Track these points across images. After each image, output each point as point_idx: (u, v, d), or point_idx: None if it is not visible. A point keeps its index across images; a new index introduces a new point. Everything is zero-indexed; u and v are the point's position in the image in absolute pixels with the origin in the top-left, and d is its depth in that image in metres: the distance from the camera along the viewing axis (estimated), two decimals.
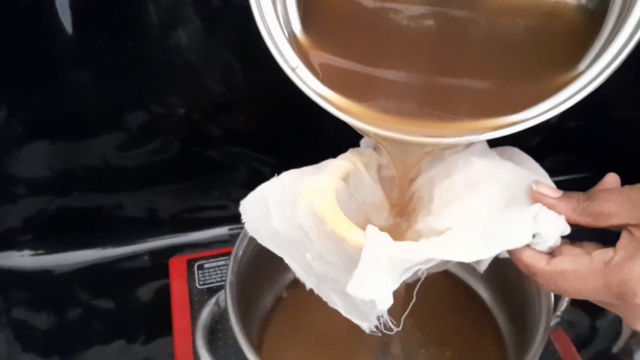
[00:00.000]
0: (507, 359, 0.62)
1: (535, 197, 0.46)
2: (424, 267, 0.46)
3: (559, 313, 0.57)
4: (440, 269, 0.58)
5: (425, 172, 0.49)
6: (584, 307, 0.76)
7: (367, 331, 0.49)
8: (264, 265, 0.63)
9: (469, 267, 0.68)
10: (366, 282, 0.44)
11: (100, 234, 0.82)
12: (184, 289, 0.72)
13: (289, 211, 0.47)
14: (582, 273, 0.42)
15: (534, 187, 0.46)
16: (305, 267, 0.50)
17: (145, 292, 0.80)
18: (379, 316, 0.48)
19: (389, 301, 0.46)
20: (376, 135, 0.46)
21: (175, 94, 0.75)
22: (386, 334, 0.47)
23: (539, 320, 0.55)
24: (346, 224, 0.45)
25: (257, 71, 0.75)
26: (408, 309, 0.50)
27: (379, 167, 0.51)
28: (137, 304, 0.79)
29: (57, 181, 0.77)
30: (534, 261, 0.44)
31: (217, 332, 0.68)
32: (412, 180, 0.50)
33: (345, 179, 0.49)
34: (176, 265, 0.75)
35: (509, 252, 0.46)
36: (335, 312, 0.64)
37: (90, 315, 0.77)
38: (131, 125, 0.76)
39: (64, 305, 0.76)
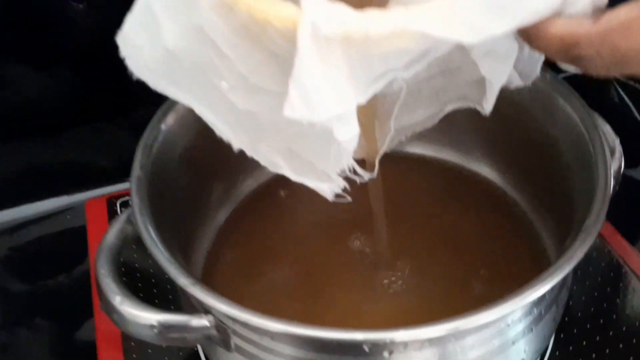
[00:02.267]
0: (543, 250, 0.45)
1: None
2: (404, 74, 0.29)
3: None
4: (428, 121, 0.41)
5: None
6: None
7: (330, 197, 0.32)
8: (209, 160, 0.46)
9: (470, 148, 0.52)
10: (311, 91, 0.27)
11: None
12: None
13: (186, 14, 0.30)
14: None
15: None
16: (224, 114, 0.32)
17: (69, 261, 0.62)
18: (342, 169, 0.32)
19: (353, 128, 0.29)
20: None
21: None
22: (361, 179, 0.31)
23: (594, 186, 0.37)
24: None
25: None
26: (385, 146, 0.33)
27: None
28: (58, 283, 0.61)
29: None
30: (574, 27, 0.28)
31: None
32: None
33: None
34: (94, 208, 0.58)
35: (530, 33, 0.29)
36: (320, 229, 0.48)
37: None
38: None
39: None
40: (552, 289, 0.36)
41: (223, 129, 0.33)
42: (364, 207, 0.43)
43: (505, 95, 0.38)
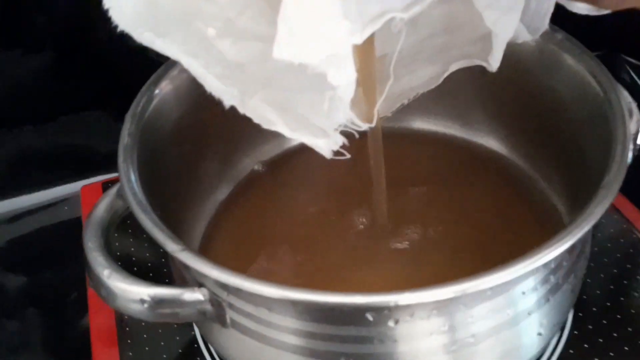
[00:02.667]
0: (557, 217, 0.42)
1: None
2: (402, 15, 0.27)
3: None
4: (431, 82, 0.39)
5: None
6: None
7: (328, 154, 0.30)
8: (205, 134, 0.44)
9: (474, 120, 0.49)
10: (301, 28, 0.25)
11: None
12: None
13: None
14: None
15: None
16: (213, 66, 0.30)
17: (65, 254, 0.59)
18: (339, 123, 0.30)
19: (349, 72, 0.27)
20: None
21: None
22: (358, 129, 0.28)
23: (611, 145, 0.34)
24: None
25: None
26: (383, 95, 0.31)
27: None
28: (53, 276, 0.59)
29: None
30: None
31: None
32: None
33: None
34: (89, 193, 0.56)
35: None
36: (320, 205, 0.45)
37: None
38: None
39: None
40: (570, 252, 0.34)
41: (212, 83, 0.31)
42: (367, 183, 0.41)
43: (511, 58, 0.36)
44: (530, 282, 0.33)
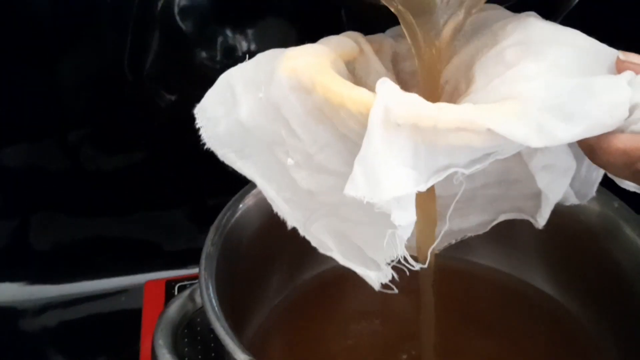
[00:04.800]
0: None
1: (624, 68, 0.29)
2: (465, 171, 0.29)
3: None
4: (480, 228, 0.40)
5: (461, 51, 0.33)
6: None
7: (376, 286, 0.31)
8: (271, 249, 0.45)
9: (529, 261, 0.48)
10: (374, 172, 0.27)
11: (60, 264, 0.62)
12: None
13: (264, 93, 0.31)
14: None
15: (622, 57, 0.30)
16: (285, 191, 0.32)
17: (116, 343, 0.58)
18: (392, 259, 0.31)
19: (410, 215, 0.28)
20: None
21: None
22: (412, 268, 0.29)
23: None
24: (344, 83, 0.28)
25: None
26: (438, 238, 0.32)
27: (395, 58, 0.35)
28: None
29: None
30: (636, 142, 0.27)
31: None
32: (440, 70, 0.33)
33: (350, 64, 0.33)
34: (152, 289, 0.56)
35: (594, 146, 0.29)
36: (368, 331, 0.45)
37: None
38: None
39: None
40: None
41: (281, 206, 0.32)
42: (417, 311, 0.41)
43: (574, 216, 0.37)
44: None
